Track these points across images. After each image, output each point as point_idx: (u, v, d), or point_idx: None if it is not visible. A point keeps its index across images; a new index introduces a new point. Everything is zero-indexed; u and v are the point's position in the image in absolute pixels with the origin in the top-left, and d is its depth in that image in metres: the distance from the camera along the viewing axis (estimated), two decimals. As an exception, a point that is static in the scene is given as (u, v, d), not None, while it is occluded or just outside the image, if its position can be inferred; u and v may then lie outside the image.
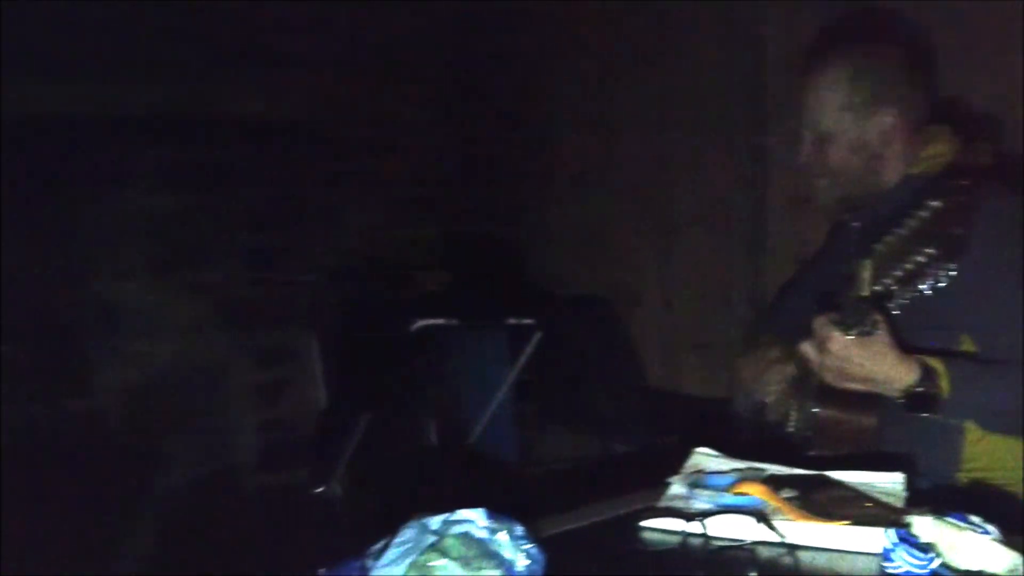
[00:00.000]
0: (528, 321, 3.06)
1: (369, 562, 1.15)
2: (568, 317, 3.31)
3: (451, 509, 1.18)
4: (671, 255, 3.75)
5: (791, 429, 2.00)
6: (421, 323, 2.94)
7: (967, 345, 1.77)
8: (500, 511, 1.18)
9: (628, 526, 1.41)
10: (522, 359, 3.08)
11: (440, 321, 2.97)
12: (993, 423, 1.73)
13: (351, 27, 3.77)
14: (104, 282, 3.35)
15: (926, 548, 1.24)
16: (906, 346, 1.67)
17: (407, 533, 1.15)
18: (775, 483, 1.47)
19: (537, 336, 3.06)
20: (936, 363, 1.67)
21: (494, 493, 1.25)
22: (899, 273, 1.60)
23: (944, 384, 1.65)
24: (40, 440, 3.05)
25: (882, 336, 1.64)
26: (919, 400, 1.67)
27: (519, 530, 1.16)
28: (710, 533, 1.36)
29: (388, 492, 3.16)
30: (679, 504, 1.45)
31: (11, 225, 3.17)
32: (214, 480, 3.47)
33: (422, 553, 1.11)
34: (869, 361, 1.65)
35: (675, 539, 1.36)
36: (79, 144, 3.24)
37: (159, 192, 3.42)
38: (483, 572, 1.09)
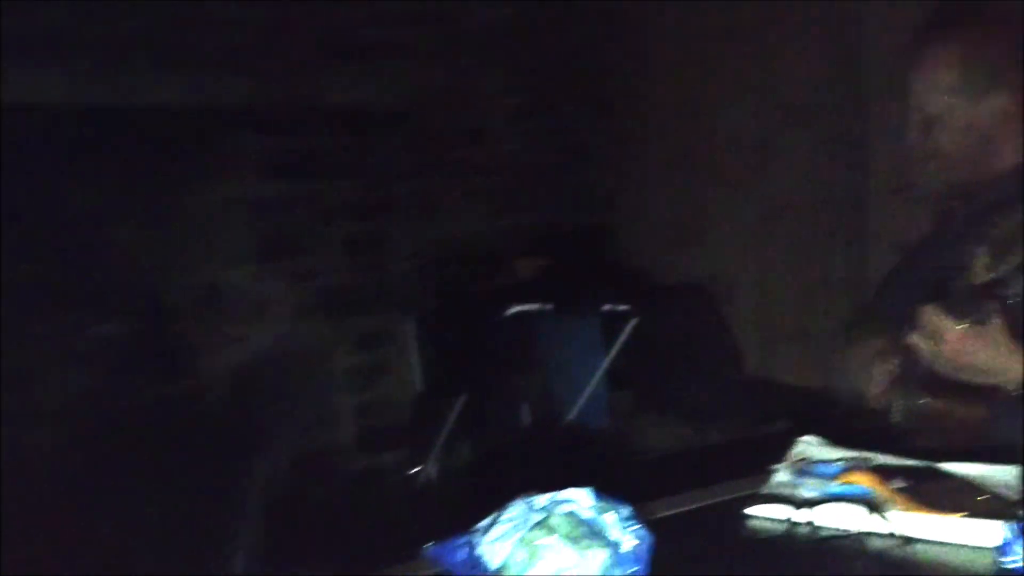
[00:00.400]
0: (623, 308, 3.05)
1: (476, 538, 1.17)
2: (664, 304, 3.29)
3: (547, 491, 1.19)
4: (769, 242, 3.70)
5: (895, 420, 1.95)
6: (515, 309, 2.96)
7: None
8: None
9: (732, 513, 1.40)
10: (617, 345, 3.08)
11: (534, 307, 2.99)
12: None
13: (447, 16, 3.80)
14: (209, 268, 3.45)
15: (1047, 542, 1.20)
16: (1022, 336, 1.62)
17: (514, 510, 1.16)
18: (884, 473, 1.44)
19: (632, 323, 3.05)
20: None
21: (590, 478, 1.25)
22: (1016, 259, 1.55)
23: None
24: (144, 423, 3.17)
25: (997, 325, 1.59)
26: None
27: (626, 511, 1.16)
28: (817, 522, 1.34)
29: (482, 475, 3.20)
30: (784, 492, 1.44)
31: (120, 211, 3.29)
32: (314, 461, 3.55)
33: (529, 530, 1.12)
34: (983, 352, 1.60)
35: (781, 527, 1.35)
36: (185, 133, 3.35)
37: (262, 180, 3.51)
38: (591, 550, 1.10)
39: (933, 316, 1.64)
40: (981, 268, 1.56)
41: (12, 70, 2.96)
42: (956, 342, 1.60)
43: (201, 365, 3.47)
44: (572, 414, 3.02)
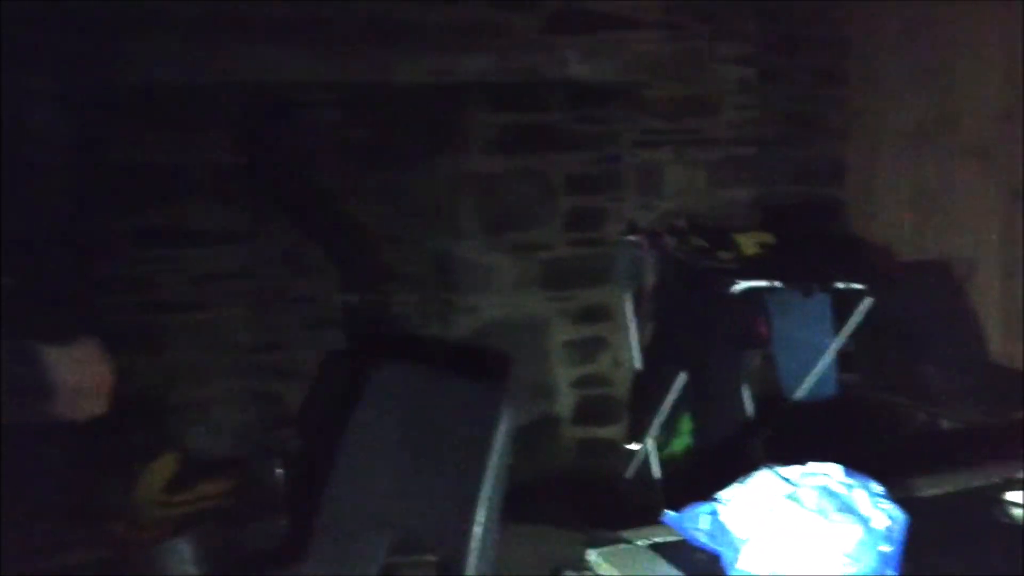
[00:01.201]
0: (857, 286, 2.92)
1: (720, 507, 1.17)
2: (900, 282, 3.12)
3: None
4: (1015, 219, 3.44)
5: None
6: (741, 285, 2.90)
7: None
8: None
9: (989, 498, 1.33)
10: (850, 325, 2.95)
11: (763, 283, 2.91)
12: None
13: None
14: (441, 240, 3.59)
15: None
16: None
17: (760, 482, 1.15)
18: None
19: (867, 302, 2.92)
20: None
21: (820, 458, 1.23)
22: None
23: None
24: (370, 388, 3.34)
25: None
26: None
27: (877, 488, 1.13)
28: (1087, 512, 1.25)
29: (703, 451, 3.17)
30: (1046, 479, 1.35)
31: (360, 185, 3.48)
32: (535, 431, 3.64)
33: (778, 502, 1.11)
34: None
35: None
36: (422, 111, 3.49)
37: (491, 155, 3.60)
38: (843, 525, 1.08)
39: None
40: None
41: (261, 49, 3.19)
42: None
43: (428, 333, 3.62)
44: (799, 393, 2.93)
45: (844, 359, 3.08)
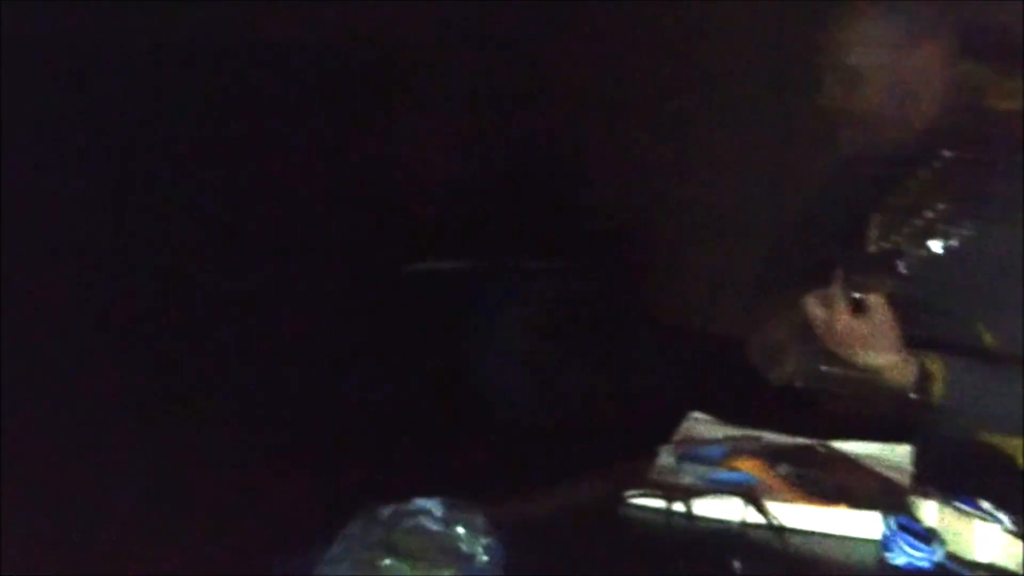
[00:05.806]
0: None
1: (315, 557, 1.06)
2: None
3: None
4: None
5: (798, 384, 1.86)
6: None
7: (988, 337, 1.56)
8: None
9: (615, 500, 1.30)
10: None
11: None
12: (994, 427, 1.54)
13: None
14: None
15: (928, 538, 1.14)
16: (910, 336, 1.48)
17: (354, 525, 1.05)
18: (771, 456, 1.37)
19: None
20: (935, 365, 1.46)
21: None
22: (908, 229, 1.44)
23: (938, 390, 1.46)
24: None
25: (882, 313, 1.45)
26: (910, 406, 1.49)
27: (480, 521, 1.06)
28: (696, 512, 1.26)
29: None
30: (667, 478, 1.35)
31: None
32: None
33: (368, 549, 1.01)
34: (869, 334, 1.46)
35: (658, 519, 1.27)
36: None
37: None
38: (436, 572, 1.00)
39: (833, 284, 1.51)
40: (874, 236, 1.46)
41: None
42: (845, 319, 1.47)
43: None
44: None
45: None
